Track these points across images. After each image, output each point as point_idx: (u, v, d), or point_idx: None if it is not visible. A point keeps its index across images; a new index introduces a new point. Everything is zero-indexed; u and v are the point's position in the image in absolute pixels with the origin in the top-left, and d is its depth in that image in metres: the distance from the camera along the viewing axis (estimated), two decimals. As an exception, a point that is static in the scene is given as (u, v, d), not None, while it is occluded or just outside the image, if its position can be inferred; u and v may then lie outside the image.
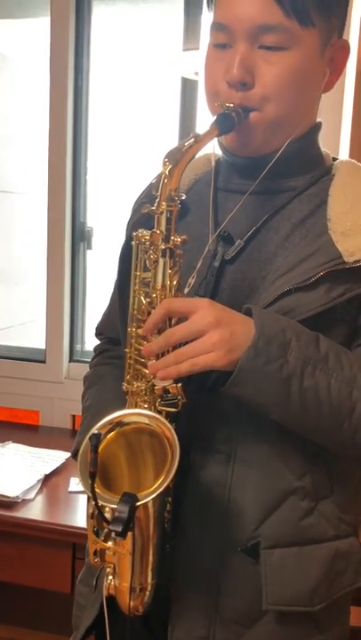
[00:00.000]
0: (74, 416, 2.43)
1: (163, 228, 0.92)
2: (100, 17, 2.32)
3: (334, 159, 1.12)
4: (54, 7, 2.25)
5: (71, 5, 2.25)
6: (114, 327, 1.18)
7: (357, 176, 1.06)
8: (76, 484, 1.98)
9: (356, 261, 0.96)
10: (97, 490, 0.86)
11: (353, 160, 1.11)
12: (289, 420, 0.95)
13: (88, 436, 0.87)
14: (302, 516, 1.00)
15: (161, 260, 0.93)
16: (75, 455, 1.08)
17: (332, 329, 0.98)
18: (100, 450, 0.89)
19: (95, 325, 1.37)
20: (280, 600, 1.00)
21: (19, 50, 2.45)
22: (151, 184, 1.11)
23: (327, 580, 1.02)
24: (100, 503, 0.86)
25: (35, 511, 1.86)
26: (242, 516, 1.00)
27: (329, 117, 1.10)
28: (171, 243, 0.93)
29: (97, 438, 0.84)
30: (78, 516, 1.84)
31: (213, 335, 0.89)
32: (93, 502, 0.85)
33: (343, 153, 1.62)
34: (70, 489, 1.97)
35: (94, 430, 0.89)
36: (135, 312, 0.99)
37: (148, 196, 1.10)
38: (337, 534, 1.03)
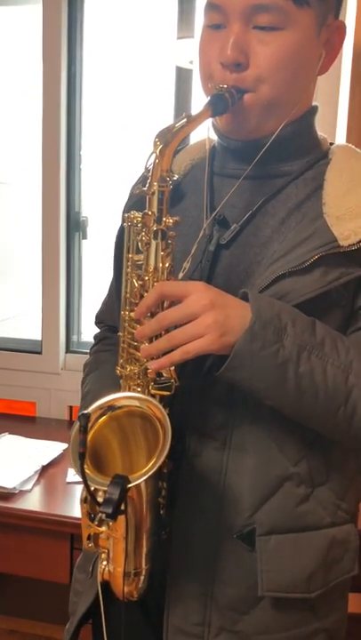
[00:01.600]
0: (71, 407, 2.43)
1: (155, 209, 0.91)
2: (92, 4, 2.30)
3: (331, 144, 1.11)
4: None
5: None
6: (113, 315, 1.17)
7: (354, 160, 1.05)
8: (73, 474, 1.98)
9: (351, 245, 0.95)
10: (89, 473, 0.85)
11: (350, 144, 1.10)
12: (284, 405, 0.94)
13: (77, 417, 0.86)
14: (298, 503, 1.00)
15: (153, 242, 0.92)
16: None
17: (328, 314, 0.97)
18: (92, 435, 0.89)
19: (92, 315, 1.37)
20: (276, 586, 0.99)
21: (10, 38, 2.43)
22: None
23: (324, 567, 1.01)
24: (93, 487, 0.85)
25: (32, 502, 1.86)
26: (237, 503, 0.99)
27: (326, 101, 1.09)
28: (163, 224, 0.92)
29: (86, 418, 0.83)
30: (76, 507, 1.83)
31: (207, 318, 0.88)
32: (83, 483, 0.84)
33: (340, 137, 1.61)
34: (68, 479, 1.98)
35: (84, 411, 0.88)
36: (128, 295, 0.98)
37: (144, 181, 1.09)
38: (334, 521, 1.02)
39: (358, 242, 0.95)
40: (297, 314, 0.93)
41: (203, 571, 1.02)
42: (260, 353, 0.89)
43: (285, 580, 0.99)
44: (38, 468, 2.01)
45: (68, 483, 1.96)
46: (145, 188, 0.91)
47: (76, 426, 0.87)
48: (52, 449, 2.12)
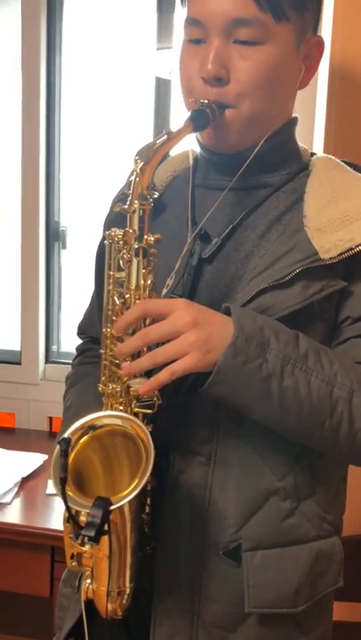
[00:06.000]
0: (51, 418, 2.40)
1: (136, 226, 0.91)
2: (71, 13, 2.30)
3: (313, 154, 1.12)
4: (25, 3, 2.20)
5: (43, 1, 2.22)
6: (95, 326, 1.16)
7: (334, 171, 1.05)
8: (53, 485, 1.96)
9: (331, 258, 0.96)
10: (71, 494, 0.85)
11: (330, 155, 1.10)
12: (270, 419, 0.94)
13: (58, 441, 0.85)
14: (284, 517, 1.00)
15: (135, 260, 0.92)
16: None
17: (311, 327, 0.98)
18: (73, 455, 0.88)
19: (71, 325, 1.36)
20: (262, 602, 0.99)
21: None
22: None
23: (309, 581, 1.01)
24: (75, 508, 0.84)
25: (12, 514, 1.83)
26: (223, 519, 0.99)
27: (302, 114, 1.10)
28: (144, 242, 0.92)
29: (66, 443, 0.83)
30: (56, 519, 1.81)
31: (190, 336, 0.88)
32: (65, 507, 0.83)
33: (317, 146, 1.61)
34: (48, 491, 1.95)
35: (65, 435, 0.87)
36: (109, 312, 0.98)
37: (123, 196, 1.09)
38: (319, 534, 1.02)
39: (339, 255, 0.96)
40: (280, 327, 0.93)
41: (188, 588, 1.01)
42: (243, 367, 0.89)
43: (272, 595, 0.99)
44: (18, 480, 1.98)
45: (48, 494, 1.94)
46: (125, 206, 0.91)
47: (57, 449, 0.86)
48: (31, 460, 2.10)
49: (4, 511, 1.84)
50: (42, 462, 2.10)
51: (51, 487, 1.97)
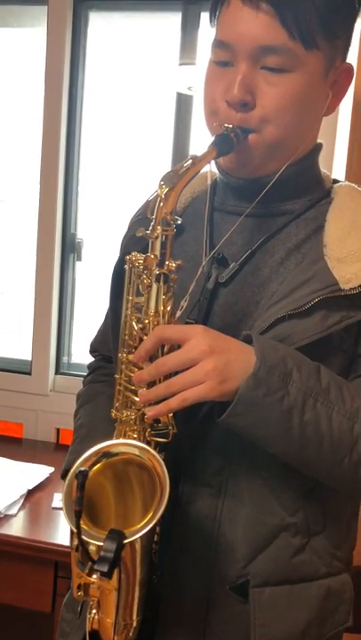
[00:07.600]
0: (58, 429, 2.40)
1: (157, 252, 0.90)
2: (95, 30, 2.30)
3: (335, 181, 1.10)
4: (51, 19, 2.23)
5: (68, 18, 2.23)
6: (109, 345, 1.15)
7: (356, 201, 1.03)
8: (59, 499, 1.95)
9: (352, 289, 0.94)
10: (85, 527, 0.82)
11: (353, 184, 1.08)
12: (288, 453, 0.92)
13: (74, 474, 0.83)
14: (294, 553, 0.97)
15: (155, 285, 0.91)
16: (63, 476, 1.04)
17: (329, 358, 0.96)
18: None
19: (83, 337, 1.35)
20: None
21: (12, 58, 2.42)
22: (148, 201, 1.08)
23: (318, 620, 0.99)
24: (85, 539, 0.82)
25: (17, 527, 1.82)
26: (231, 553, 0.97)
27: (323, 139, 1.08)
28: (165, 268, 0.90)
29: (83, 476, 0.80)
30: (61, 534, 1.79)
31: (206, 364, 0.86)
32: (78, 540, 0.81)
33: (339, 171, 1.60)
34: (54, 505, 1.94)
35: (81, 467, 0.85)
36: (126, 337, 0.96)
37: (144, 213, 1.08)
38: (329, 571, 1.00)
39: (360, 285, 0.94)
40: (301, 358, 0.91)
41: (194, 623, 0.99)
42: (264, 399, 0.87)
43: (279, 635, 0.97)
44: (24, 492, 1.97)
45: (54, 508, 1.93)
46: (148, 232, 0.90)
47: (71, 479, 0.84)
48: (38, 472, 2.09)
49: (10, 523, 1.82)
50: (48, 474, 2.08)
51: (57, 501, 1.95)
